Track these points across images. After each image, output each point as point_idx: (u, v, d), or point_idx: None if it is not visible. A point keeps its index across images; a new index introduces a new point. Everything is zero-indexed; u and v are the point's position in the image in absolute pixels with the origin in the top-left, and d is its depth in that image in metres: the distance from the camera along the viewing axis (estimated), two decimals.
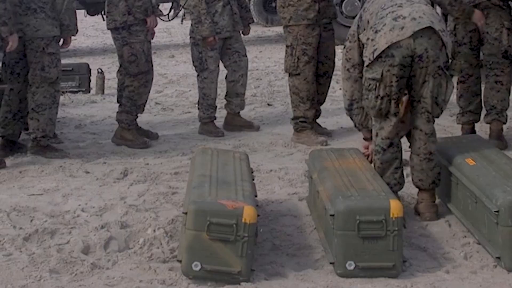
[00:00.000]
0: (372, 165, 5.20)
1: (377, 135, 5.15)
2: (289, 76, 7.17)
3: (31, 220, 5.17)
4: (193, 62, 7.52)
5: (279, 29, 12.60)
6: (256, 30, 15.91)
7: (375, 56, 4.96)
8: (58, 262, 4.49)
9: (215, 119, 7.57)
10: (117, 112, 7.22)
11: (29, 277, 4.32)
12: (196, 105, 7.89)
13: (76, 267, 4.45)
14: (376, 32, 5.01)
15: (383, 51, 4.94)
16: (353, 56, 5.30)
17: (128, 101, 7.14)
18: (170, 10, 12.82)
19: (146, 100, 7.30)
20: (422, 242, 4.78)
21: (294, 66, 7.02)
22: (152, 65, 7.16)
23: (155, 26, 7.28)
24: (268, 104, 8.86)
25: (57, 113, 6.76)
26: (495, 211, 4.42)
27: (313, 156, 5.35)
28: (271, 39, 14.71)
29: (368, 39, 5.07)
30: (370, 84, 5.05)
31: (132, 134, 7.12)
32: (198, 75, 7.51)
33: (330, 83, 7.34)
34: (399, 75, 4.99)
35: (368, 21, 5.14)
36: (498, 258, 4.43)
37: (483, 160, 5.02)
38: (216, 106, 7.56)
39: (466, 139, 5.69)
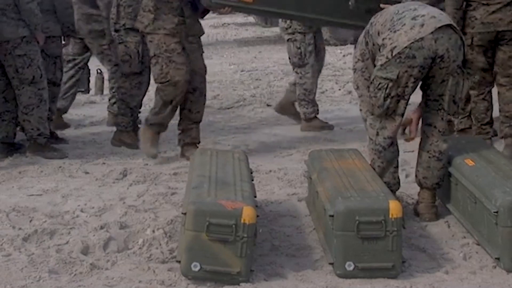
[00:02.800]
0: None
1: (377, 134, 5.10)
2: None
3: (30, 221, 5.16)
4: (289, 58, 7.55)
5: (279, 30, 12.58)
6: (255, 31, 15.92)
7: (393, 54, 4.87)
8: (57, 262, 4.49)
9: (318, 113, 7.63)
10: (113, 116, 7.21)
11: (28, 278, 4.31)
12: None
13: (75, 268, 4.44)
14: (394, 31, 4.92)
15: (403, 52, 4.86)
16: (372, 72, 5.11)
17: (122, 103, 7.13)
18: None
19: (141, 102, 7.27)
20: (422, 242, 4.78)
21: (163, 74, 6.43)
22: (146, 67, 7.07)
23: None
24: (267, 105, 8.86)
25: (46, 110, 6.75)
26: (494, 212, 4.41)
27: (313, 156, 5.35)
28: (271, 40, 14.69)
29: (384, 39, 4.96)
30: (380, 83, 4.95)
31: (130, 137, 7.10)
32: (296, 72, 7.53)
33: (203, 100, 6.67)
34: (417, 77, 4.93)
35: (378, 32, 5.04)
36: (498, 258, 4.42)
37: (483, 161, 5.02)
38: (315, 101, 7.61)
39: (465, 140, 5.69)
